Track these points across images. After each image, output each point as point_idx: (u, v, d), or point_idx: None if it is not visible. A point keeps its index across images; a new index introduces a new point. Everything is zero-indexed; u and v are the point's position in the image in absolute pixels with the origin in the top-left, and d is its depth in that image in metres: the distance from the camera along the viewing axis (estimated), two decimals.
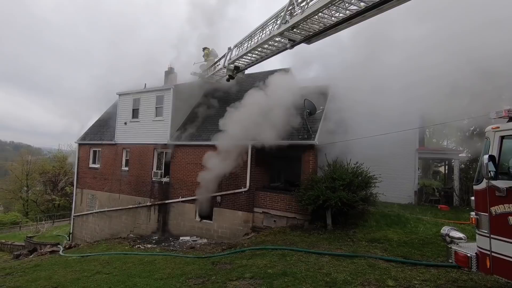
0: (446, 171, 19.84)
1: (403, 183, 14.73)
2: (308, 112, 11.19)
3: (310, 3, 7.21)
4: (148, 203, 14.85)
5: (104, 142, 17.17)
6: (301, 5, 7.44)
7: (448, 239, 4.84)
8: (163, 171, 14.82)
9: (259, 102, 11.39)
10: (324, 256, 7.13)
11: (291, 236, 9.39)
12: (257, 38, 9.78)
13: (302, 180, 10.80)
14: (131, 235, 14.89)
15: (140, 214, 15.15)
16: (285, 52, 9.64)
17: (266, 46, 9.81)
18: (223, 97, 15.21)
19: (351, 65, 11.29)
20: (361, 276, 5.76)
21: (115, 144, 16.54)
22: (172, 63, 17.83)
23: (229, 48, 11.71)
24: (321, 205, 9.44)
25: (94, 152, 17.90)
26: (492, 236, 4.11)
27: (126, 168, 16.05)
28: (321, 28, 7.83)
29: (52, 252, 14.15)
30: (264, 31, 9.38)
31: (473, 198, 4.61)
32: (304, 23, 7.74)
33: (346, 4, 6.80)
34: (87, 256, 10.67)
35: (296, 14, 7.62)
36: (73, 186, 19.97)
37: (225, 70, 12.38)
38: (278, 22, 8.41)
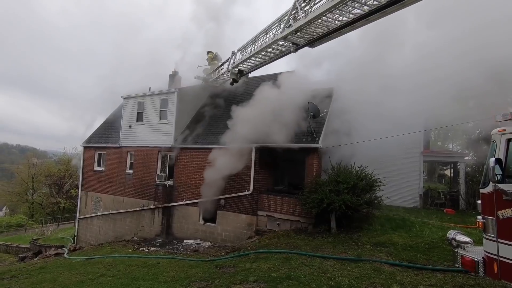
0: (452, 174, 19.64)
1: (408, 187, 14.61)
2: (312, 115, 11.18)
3: (314, 7, 7.24)
4: (152, 206, 14.91)
5: (109, 145, 17.30)
6: (305, 9, 7.48)
7: (454, 243, 4.78)
8: (167, 174, 14.88)
9: (263, 105, 11.42)
10: (329, 260, 7.08)
11: (295, 239, 9.35)
12: (261, 42, 9.83)
13: (306, 183, 10.77)
14: (135, 238, 14.93)
15: (144, 217, 15.20)
16: (289, 55, 9.68)
17: (269, 49, 9.86)
18: (227, 100, 15.28)
19: (354, 67, 11.30)
20: (366, 281, 5.71)
21: (120, 147, 16.66)
22: (176, 67, 18.02)
23: (233, 52, 11.78)
24: (325, 209, 9.39)
25: (99, 155, 18.04)
26: (499, 240, 4.05)
27: (131, 171, 16.14)
28: (324, 32, 7.85)
29: (57, 254, 14.26)
30: (268, 35, 9.43)
31: (479, 201, 4.55)
32: (308, 27, 7.77)
33: (350, 8, 6.82)
34: (92, 258, 10.71)
35: (300, 18, 7.66)
36: (78, 188, 20.12)
37: (229, 73, 12.45)
38: (282, 26, 8.46)
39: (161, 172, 15.06)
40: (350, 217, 9.62)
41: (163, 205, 14.56)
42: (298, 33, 8.17)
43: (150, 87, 17.14)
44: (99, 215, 17.03)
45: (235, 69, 11.84)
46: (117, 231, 16.07)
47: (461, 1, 8.37)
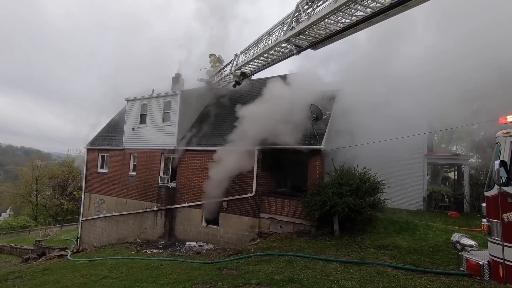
0: (456, 177, 19.49)
1: (412, 189, 14.52)
2: (315, 117, 11.18)
3: (317, 10, 7.26)
4: (155, 208, 14.93)
5: (112, 147, 17.39)
6: (307, 11, 7.50)
7: (459, 246, 4.74)
8: (169, 176, 14.92)
9: (266, 107, 11.43)
10: (332, 263, 7.04)
11: (298, 242, 9.31)
12: (264, 44, 9.86)
13: (309, 186, 10.74)
14: (137, 240, 14.95)
15: (147, 219, 15.23)
16: (292, 57, 9.70)
17: (272, 52, 9.88)
18: (230, 102, 15.31)
19: (357, 69, 11.27)
20: (369, 284, 5.67)
21: (123, 149, 16.73)
22: (179, 69, 18.12)
23: (236, 55, 11.82)
24: (328, 211, 9.35)
25: (102, 157, 18.14)
26: (505, 243, 4.01)
27: (134, 173, 16.20)
28: (327, 34, 7.86)
29: (60, 256, 14.31)
30: (271, 37, 9.46)
31: (484, 204, 4.52)
32: (310, 29, 7.79)
33: (352, 11, 6.82)
34: (95, 260, 10.74)
35: (303, 20, 7.68)
36: (81, 190, 20.22)
37: (231, 76, 12.48)
38: (285, 28, 8.48)
39: (164, 174, 15.10)
40: (353, 219, 9.57)
41: (166, 207, 14.58)
42: (300, 36, 8.19)
43: (153, 90, 17.25)
44: (102, 217, 17.09)
45: (238, 71, 11.88)
46: (120, 233, 16.11)
47: (467, 1, 8.33)
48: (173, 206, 14.33)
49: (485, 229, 4.37)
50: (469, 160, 15.81)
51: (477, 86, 8.48)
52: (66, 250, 16.23)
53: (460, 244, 4.73)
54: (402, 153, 13.74)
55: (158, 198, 15.00)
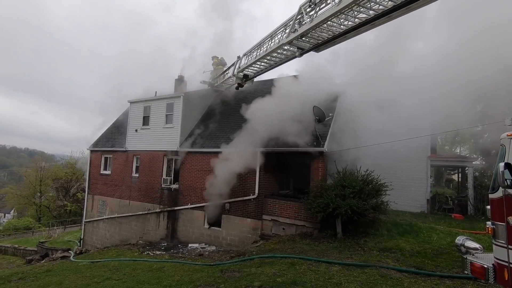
0: (460, 179, 19.35)
1: (415, 191, 14.42)
2: (317, 119, 11.17)
3: (319, 12, 7.27)
4: (158, 210, 14.96)
5: (115, 148, 17.47)
6: (310, 14, 7.51)
7: (463, 249, 4.70)
8: (172, 177, 14.95)
9: (267, 109, 11.45)
10: (334, 265, 7.01)
11: (301, 244, 9.28)
12: (266, 46, 9.88)
13: (312, 188, 10.72)
14: (140, 241, 14.98)
15: (150, 220, 15.26)
16: (295, 60, 9.70)
17: (275, 54, 9.89)
18: (233, 104, 15.35)
19: (361, 70, 11.25)
20: (373, 287, 5.64)
21: (126, 151, 16.81)
22: (182, 71, 18.20)
23: (238, 57, 11.87)
24: (330, 213, 9.32)
25: (106, 158, 18.22)
26: (510, 246, 3.97)
27: (136, 175, 16.25)
28: (329, 36, 7.86)
29: (63, 257, 14.37)
30: (273, 40, 9.49)
31: (488, 207, 4.48)
32: (313, 31, 7.79)
33: (355, 13, 6.83)
34: (97, 262, 10.77)
35: (305, 23, 7.69)
36: (84, 192, 20.31)
37: (234, 78, 12.52)
38: (287, 31, 8.50)
39: (166, 176, 15.13)
40: (356, 222, 9.53)
41: (168, 208, 14.60)
42: (303, 38, 8.20)
43: (156, 92, 17.32)
44: (105, 218, 17.14)
45: (241, 73, 11.90)
46: (123, 234, 16.15)
47: (473, 1, 8.28)
48: (176, 208, 14.35)
49: (489, 232, 4.33)
50: (473, 162, 15.68)
51: (482, 88, 8.42)
52: (69, 251, 16.30)
53: (464, 247, 4.68)
54: (406, 155, 13.66)
55: (160, 199, 15.03)
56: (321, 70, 11.94)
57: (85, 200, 18.85)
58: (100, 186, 17.98)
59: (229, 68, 13.36)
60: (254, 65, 11.08)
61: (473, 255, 4.59)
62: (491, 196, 4.35)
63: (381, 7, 6.48)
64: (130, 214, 16.00)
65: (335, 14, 6.85)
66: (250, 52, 11.00)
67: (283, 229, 11.22)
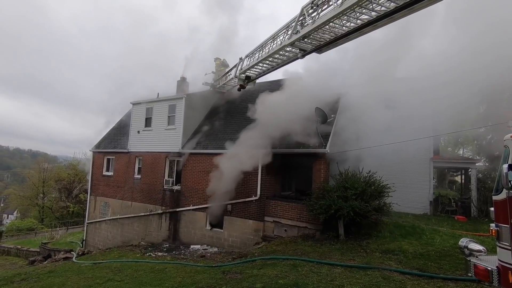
0: (463, 181, 19.23)
1: (418, 193, 14.34)
2: (320, 121, 11.15)
3: (321, 14, 7.28)
4: (160, 211, 14.98)
5: (117, 150, 17.53)
6: (312, 15, 7.53)
7: (467, 251, 4.66)
8: (174, 179, 14.98)
9: (270, 111, 11.44)
10: (337, 267, 6.98)
11: (303, 246, 9.26)
12: (268, 48, 9.91)
13: (314, 189, 10.69)
14: (142, 242, 15.00)
15: (152, 222, 15.28)
16: (297, 61, 9.70)
17: (277, 56, 9.91)
18: (234, 105, 15.38)
19: (363, 71, 11.22)
20: None
21: (128, 152, 16.86)
22: (184, 72, 18.25)
23: (240, 58, 11.89)
24: (333, 215, 9.29)
25: (108, 160, 18.28)
26: None
27: (139, 176, 16.29)
28: (332, 38, 7.87)
29: (65, 258, 14.40)
30: (275, 41, 9.51)
31: (492, 209, 4.45)
32: (315, 33, 7.81)
33: (357, 14, 6.83)
34: (100, 263, 10.80)
35: (307, 24, 7.71)
36: (87, 193, 20.38)
37: (236, 80, 12.55)
38: (289, 32, 8.52)
39: (168, 177, 15.16)
40: (359, 223, 9.49)
41: (171, 210, 14.62)
42: (305, 39, 8.21)
43: (158, 93, 17.39)
44: (107, 219, 17.19)
45: (243, 75, 11.92)
46: (125, 235, 16.18)
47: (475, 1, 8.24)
48: (178, 209, 14.36)
49: (493, 234, 4.29)
50: (476, 164, 15.59)
51: (486, 88, 8.37)
52: (72, 252, 16.34)
53: (468, 249, 4.65)
54: (408, 157, 13.60)
55: (162, 201, 15.05)
56: (324, 71, 11.92)
57: (88, 201, 18.92)
58: (102, 188, 18.04)
59: (231, 69, 13.39)
60: (256, 66, 11.10)
61: (476, 257, 4.56)
62: (494, 198, 4.32)
63: (383, 8, 6.48)
64: (132, 215, 16.03)
65: (337, 16, 6.86)
66: (252, 53, 11.03)
67: (285, 230, 11.20)
